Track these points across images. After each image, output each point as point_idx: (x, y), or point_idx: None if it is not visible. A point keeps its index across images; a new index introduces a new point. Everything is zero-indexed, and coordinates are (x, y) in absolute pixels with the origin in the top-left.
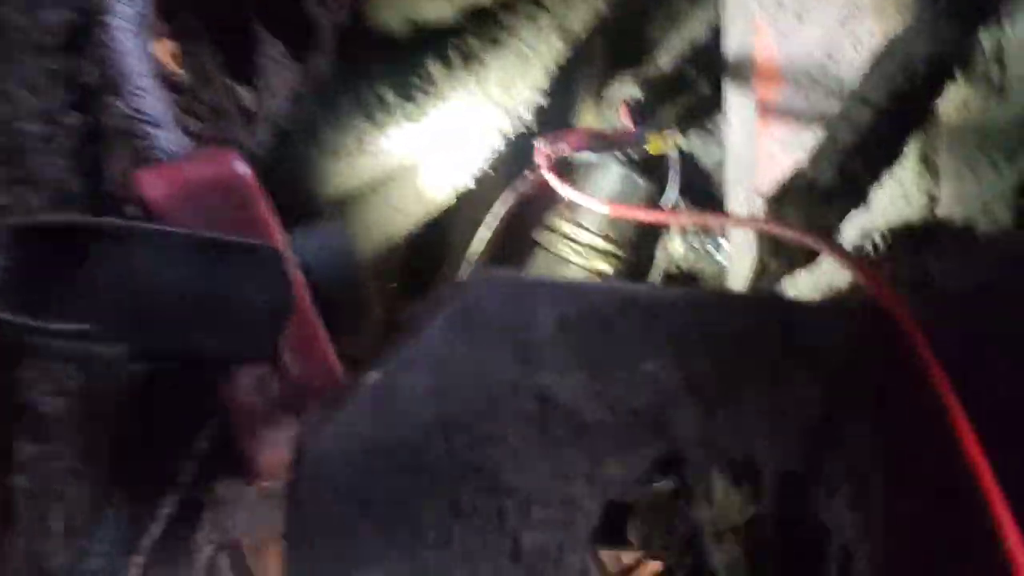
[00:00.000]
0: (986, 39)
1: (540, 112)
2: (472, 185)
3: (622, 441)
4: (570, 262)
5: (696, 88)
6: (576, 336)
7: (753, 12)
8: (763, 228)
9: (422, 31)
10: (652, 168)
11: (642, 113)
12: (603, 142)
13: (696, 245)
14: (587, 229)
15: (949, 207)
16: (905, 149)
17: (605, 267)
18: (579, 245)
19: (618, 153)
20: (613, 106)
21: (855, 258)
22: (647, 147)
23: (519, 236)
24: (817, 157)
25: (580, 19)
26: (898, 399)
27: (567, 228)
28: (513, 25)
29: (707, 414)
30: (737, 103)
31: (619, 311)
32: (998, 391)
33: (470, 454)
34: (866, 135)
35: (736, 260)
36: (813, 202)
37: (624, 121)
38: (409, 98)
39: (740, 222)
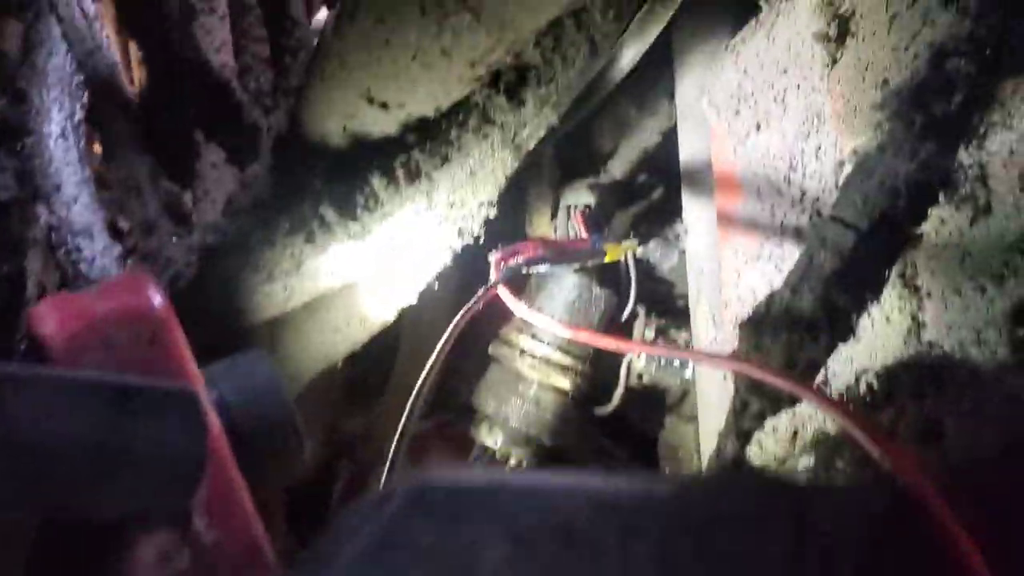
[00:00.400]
0: (967, 159)
1: (492, 221)
2: (416, 301)
3: None
4: (526, 378)
5: (651, 195)
6: (535, 561)
7: (708, 119)
8: (742, 369)
9: (364, 144)
10: (609, 276)
11: (597, 221)
12: (559, 253)
13: (660, 359)
14: (543, 342)
15: (936, 334)
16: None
17: (563, 382)
18: (535, 359)
19: (576, 266)
20: (567, 214)
21: (870, 423)
22: (604, 257)
23: (472, 350)
24: (795, 283)
25: (532, 134)
26: None
27: (523, 341)
28: (462, 141)
29: None
30: (695, 213)
31: (590, 519)
32: None
33: None
34: (849, 260)
35: (705, 379)
36: (794, 334)
37: (579, 229)
38: (351, 216)
39: (715, 360)
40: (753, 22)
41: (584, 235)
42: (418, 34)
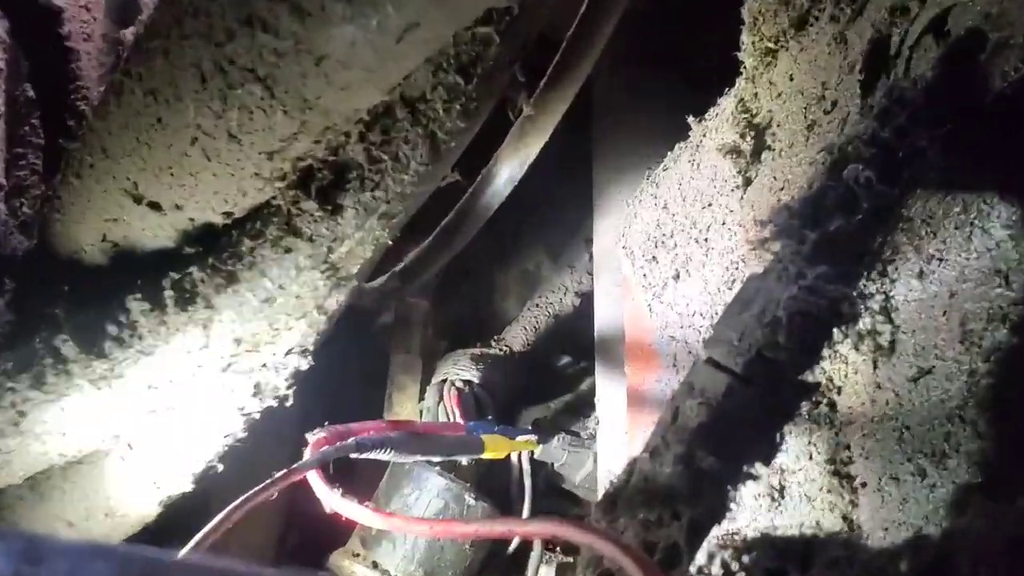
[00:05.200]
0: (870, 290)
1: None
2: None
3: None
4: None
5: (560, 375)
6: None
7: (622, 268)
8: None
9: (127, 259)
10: (496, 482)
11: (479, 403)
12: (415, 439)
13: None
14: (384, 572)
15: (872, 534)
16: (788, 441)
17: None
18: None
19: (438, 458)
20: (439, 391)
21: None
22: (482, 451)
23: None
24: (656, 444)
25: (353, 252)
26: None
27: (360, 571)
28: (256, 256)
29: None
30: (612, 399)
31: None
32: None
33: None
34: (719, 412)
35: None
36: (650, 506)
37: (453, 413)
38: (97, 353)
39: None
40: (680, 144)
41: (459, 419)
42: (197, 109)
